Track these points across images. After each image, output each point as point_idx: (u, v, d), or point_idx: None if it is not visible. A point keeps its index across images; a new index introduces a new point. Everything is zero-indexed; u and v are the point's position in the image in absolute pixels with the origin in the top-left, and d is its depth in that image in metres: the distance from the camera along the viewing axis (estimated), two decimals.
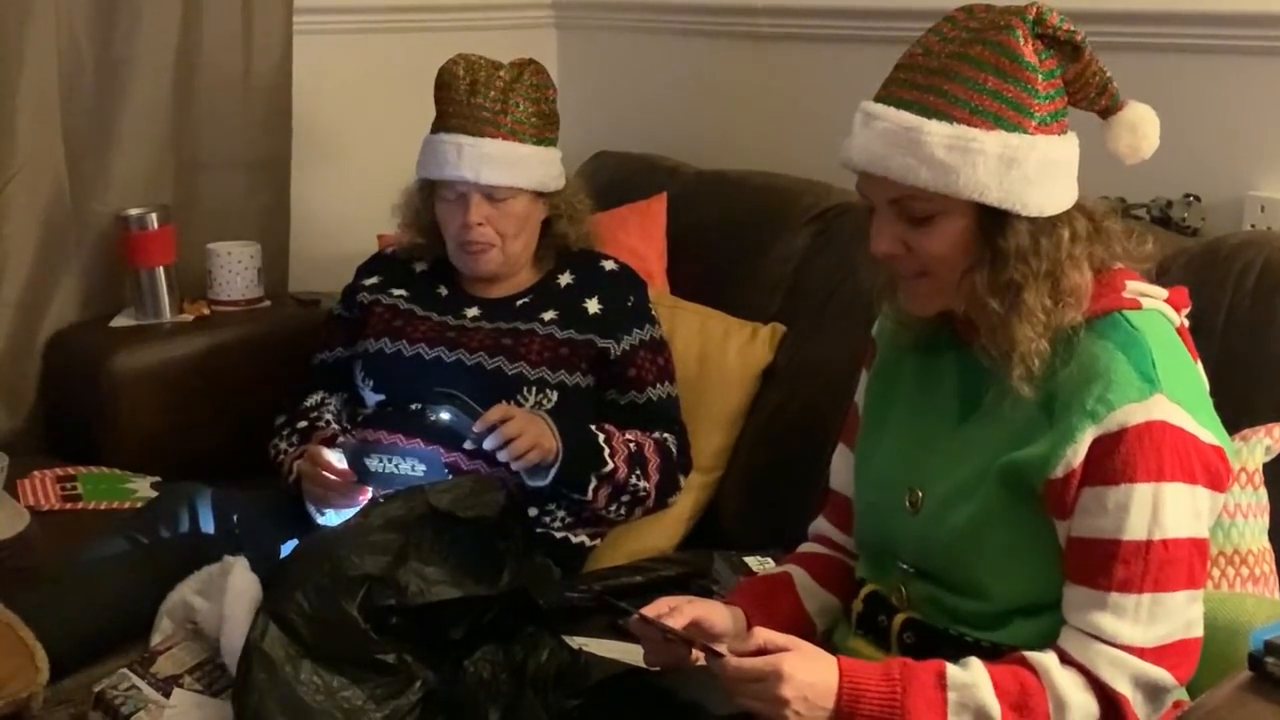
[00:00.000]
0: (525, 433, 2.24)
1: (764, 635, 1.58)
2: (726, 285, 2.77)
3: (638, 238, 2.87)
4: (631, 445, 2.39)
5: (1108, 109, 1.64)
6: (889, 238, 1.62)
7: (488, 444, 2.23)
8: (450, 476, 2.25)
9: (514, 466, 2.26)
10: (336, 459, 2.27)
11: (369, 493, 2.26)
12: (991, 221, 1.58)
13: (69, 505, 2.56)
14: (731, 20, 3.18)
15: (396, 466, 2.21)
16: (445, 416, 2.25)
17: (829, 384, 2.37)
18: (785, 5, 3.05)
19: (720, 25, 3.22)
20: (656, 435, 2.45)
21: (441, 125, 2.47)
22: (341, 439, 2.36)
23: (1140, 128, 1.63)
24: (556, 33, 3.62)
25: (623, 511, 2.41)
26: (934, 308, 1.68)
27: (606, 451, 2.34)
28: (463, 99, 2.44)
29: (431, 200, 2.50)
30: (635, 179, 3.07)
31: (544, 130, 2.49)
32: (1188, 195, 2.35)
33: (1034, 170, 1.56)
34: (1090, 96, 1.63)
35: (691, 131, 3.26)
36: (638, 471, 2.38)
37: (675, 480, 2.48)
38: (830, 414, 1.97)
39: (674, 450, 2.47)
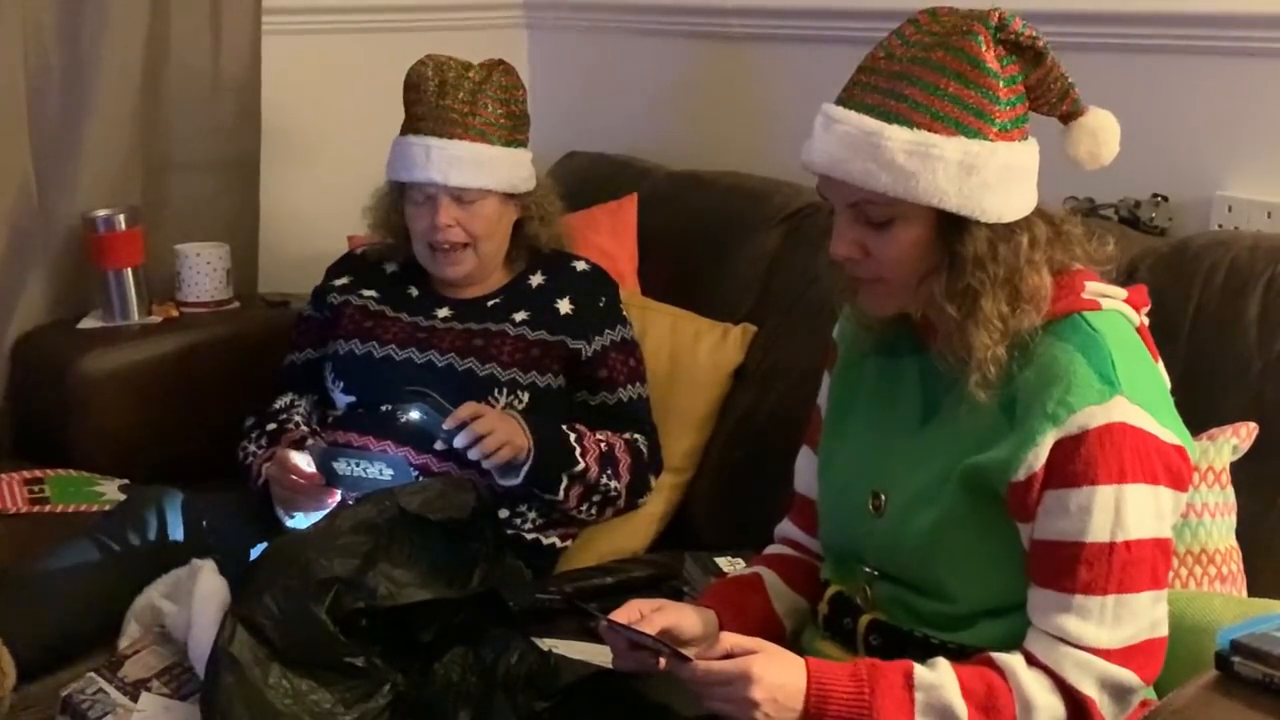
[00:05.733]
0: (496, 430, 2.24)
1: (731, 640, 1.58)
2: (697, 285, 2.77)
3: (609, 238, 2.87)
4: (603, 445, 2.39)
5: (1069, 114, 1.64)
6: (848, 241, 1.63)
7: (458, 441, 2.23)
8: (419, 480, 2.25)
9: (485, 465, 2.25)
10: (305, 462, 2.26)
11: (337, 495, 2.25)
12: (950, 227, 1.58)
13: (36, 508, 2.54)
14: (702, 20, 3.18)
15: (365, 470, 2.20)
16: (415, 415, 2.24)
17: (800, 384, 2.37)
18: (756, 6, 3.05)
19: (691, 26, 3.22)
20: (627, 436, 2.45)
21: (410, 127, 2.46)
22: (310, 442, 2.35)
23: (1100, 134, 1.64)
24: (527, 33, 3.62)
25: (594, 512, 2.41)
26: (891, 309, 1.69)
27: (578, 451, 2.34)
28: (431, 100, 2.43)
29: (401, 202, 2.50)
30: (606, 179, 3.07)
31: (514, 132, 2.48)
32: (1156, 195, 2.36)
33: (993, 176, 1.56)
34: (1052, 102, 1.63)
35: (663, 132, 3.26)
36: (609, 471, 2.38)
37: (646, 481, 2.48)
38: (801, 414, 1.97)
39: (645, 451, 2.47)
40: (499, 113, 2.45)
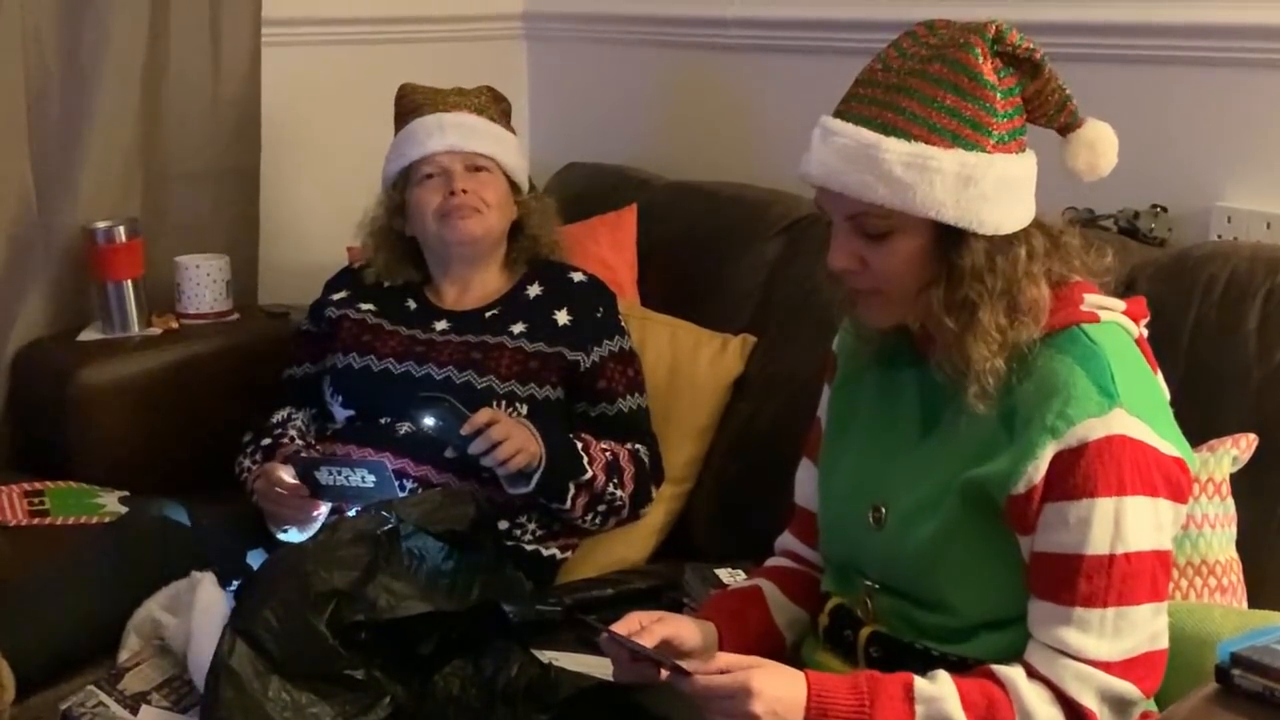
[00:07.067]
0: (512, 437, 2.23)
1: (727, 659, 1.58)
2: (697, 296, 2.77)
3: (608, 249, 2.87)
4: (608, 454, 2.39)
5: (1066, 126, 1.65)
6: (846, 253, 1.63)
7: (474, 448, 2.22)
8: (400, 485, 2.26)
9: (499, 472, 2.25)
10: (288, 475, 2.26)
11: (322, 507, 2.25)
12: (948, 239, 1.59)
13: (36, 520, 2.54)
14: (702, 31, 3.19)
15: (346, 478, 2.19)
16: (430, 422, 2.24)
17: (800, 395, 2.36)
18: (755, 17, 3.05)
19: (690, 37, 3.22)
20: (630, 446, 2.45)
21: (412, 115, 2.55)
22: (304, 454, 2.35)
23: (1098, 145, 1.64)
24: (526, 44, 3.62)
25: (598, 521, 2.41)
26: (889, 320, 1.69)
27: (585, 459, 2.34)
28: (430, 94, 2.57)
29: (402, 202, 2.52)
30: (606, 190, 3.07)
31: (507, 120, 2.62)
32: (1155, 206, 2.36)
33: (991, 188, 1.56)
34: (1049, 114, 1.63)
35: (662, 143, 3.26)
36: (615, 480, 2.38)
37: (648, 491, 2.48)
38: (801, 425, 1.97)
39: (647, 461, 2.47)
40: (491, 98, 2.62)
